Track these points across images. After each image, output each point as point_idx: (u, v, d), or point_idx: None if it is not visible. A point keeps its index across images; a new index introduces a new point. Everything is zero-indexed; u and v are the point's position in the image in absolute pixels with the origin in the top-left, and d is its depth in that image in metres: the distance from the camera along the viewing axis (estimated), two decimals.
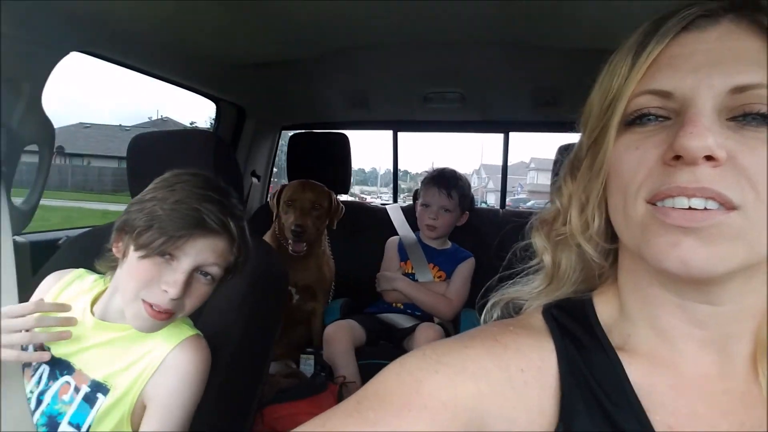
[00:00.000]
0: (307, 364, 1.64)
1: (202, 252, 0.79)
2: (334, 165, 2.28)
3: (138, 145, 1.20)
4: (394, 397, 0.42)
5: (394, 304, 1.91)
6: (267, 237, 1.96)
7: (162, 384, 0.82)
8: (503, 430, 0.43)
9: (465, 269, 1.90)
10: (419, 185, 2.07)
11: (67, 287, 0.92)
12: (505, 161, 2.49)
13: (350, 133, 2.31)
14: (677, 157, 0.39)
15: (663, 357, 0.45)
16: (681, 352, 0.44)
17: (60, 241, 1.29)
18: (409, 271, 1.94)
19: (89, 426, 0.80)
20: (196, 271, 0.80)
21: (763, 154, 0.37)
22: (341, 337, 1.64)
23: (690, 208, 0.38)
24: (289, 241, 1.83)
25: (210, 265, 0.81)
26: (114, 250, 0.84)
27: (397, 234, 2.06)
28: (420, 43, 1.53)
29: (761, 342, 0.43)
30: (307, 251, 1.87)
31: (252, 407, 1.08)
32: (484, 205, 8.97)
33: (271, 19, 1.31)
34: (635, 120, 0.43)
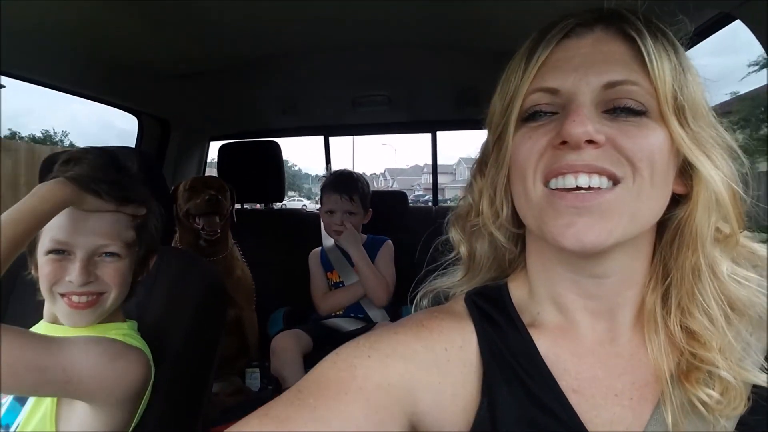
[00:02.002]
0: (253, 378, 1.61)
1: (89, 233, 0.83)
2: (267, 174, 2.25)
3: (50, 165, 1.13)
4: (331, 382, 0.46)
5: (334, 313, 1.91)
6: None
7: None
8: (431, 403, 0.48)
9: (384, 253, 1.94)
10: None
11: None
12: (434, 159, 2.57)
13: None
14: (564, 143, 0.45)
15: (564, 329, 0.52)
16: (578, 323, 0.51)
17: None
18: (337, 280, 1.95)
19: (18, 425, 0.80)
20: (97, 255, 0.83)
21: (637, 137, 0.45)
22: (288, 347, 1.62)
23: (577, 188, 0.45)
24: (202, 225, 1.76)
25: (107, 245, 0.84)
26: (33, 272, 0.86)
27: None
28: (346, 47, 1.55)
29: (647, 309, 0.50)
30: (215, 254, 1.82)
31: (196, 430, 1.04)
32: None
33: (190, 28, 1.27)
34: (529, 117, 0.50)
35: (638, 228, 0.47)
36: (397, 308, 1.92)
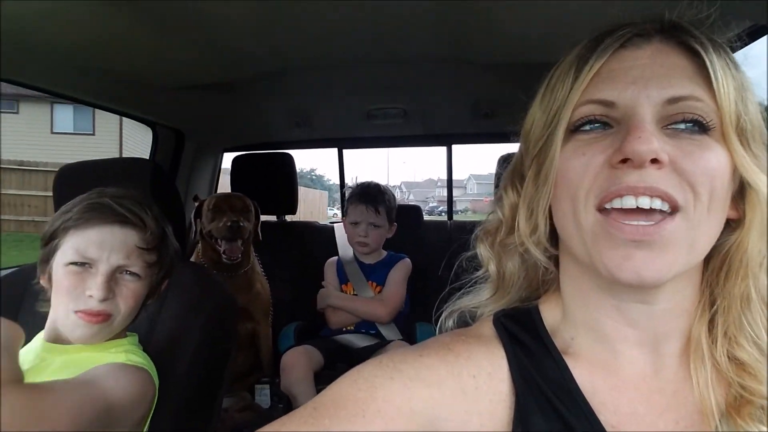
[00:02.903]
0: (263, 395, 1.57)
1: (115, 250, 0.82)
2: (280, 186, 2.24)
3: (65, 176, 1.13)
4: (349, 402, 0.43)
5: (344, 329, 1.88)
6: None
7: None
8: None
9: (397, 271, 1.91)
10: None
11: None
12: (449, 173, 2.55)
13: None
14: (624, 161, 0.42)
15: (603, 359, 0.48)
16: (618, 354, 0.47)
17: None
18: (351, 293, 1.92)
19: None
20: (118, 272, 0.83)
21: (698, 159, 0.41)
22: (299, 363, 1.59)
23: (637, 209, 0.41)
24: (223, 249, 1.76)
25: (129, 264, 0.83)
26: (42, 282, 0.86)
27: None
28: (360, 60, 1.54)
29: (694, 339, 0.46)
30: (236, 269, 1.82)
31: None
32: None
33: (206, 42, 1.27)
34: (580, 126, 0.46)
35: (696, 258, 0.43)
36: (411, 324, 1.89)
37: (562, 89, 0.47)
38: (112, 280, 0.82)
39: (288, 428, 0.42)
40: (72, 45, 1.19)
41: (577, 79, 0.46)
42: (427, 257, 2.10)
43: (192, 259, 1.92)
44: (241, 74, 1.57)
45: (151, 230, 0.85)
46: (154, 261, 0.87)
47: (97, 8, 1.01)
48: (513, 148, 0.58)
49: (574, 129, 0.46)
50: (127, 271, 0.83)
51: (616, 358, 0.48)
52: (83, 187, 1.11)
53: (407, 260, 1.95)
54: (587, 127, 0.46)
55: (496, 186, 0.67)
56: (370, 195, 1.91)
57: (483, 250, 0.57)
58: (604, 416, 0.45)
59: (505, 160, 1.76)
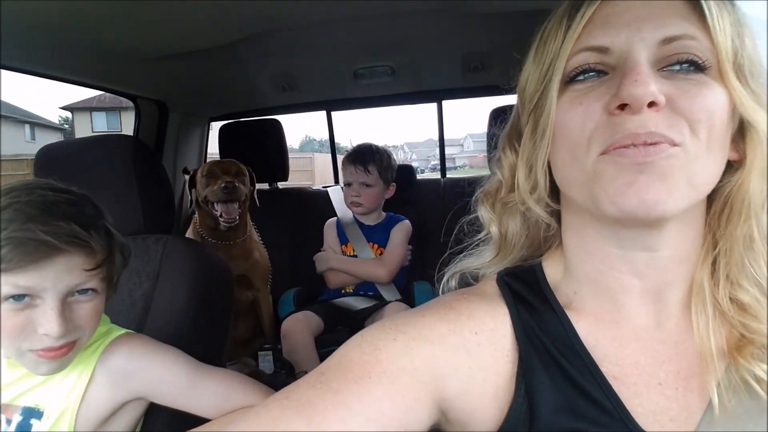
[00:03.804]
0: (266, 361, 1.60)
1: (61, 278, 0.66)
2: (269, 153, 2.21)
3: (45, 159, 1.09)
4: (355, 365, 0.45)
5: (343, 290, 1.90)
6: (188, 236, 1.89)
7: (111, 393, 0.77)
8: (459, 388, 0.46)
9: (397, 233, 1.91)
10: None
11: None
12: (441, 130, 2.50)
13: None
14: (622, 107, 0.41)
15: (606, 311, 0.48)
16: (622, 305, 0.48)
17: None
18: (352, 253, 1.94)
19: None
20: (70, 295, 0.69)
21: (695, 96, 0.41)
22: (299, 329, 1.61)
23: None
24: (219, 212, 1.75)
25: (81, 283, 0.69)
26: None
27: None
28: (344, 18, 1.48)
29: (696, 284, 0.46)
30: (234, 238, 1.82)
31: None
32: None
33: (183, 7, 1.21)
34: (576, 77, 0.45)
35: (696, 195, 0.42)
36: (409, 284, 1.90)
37: (554, 41, 0.46)
38: (66, 307, 0.67)
39: (297, 393, 0.44)
40: (44, 21, 1.13)
41: (569, 28, 0.44)
42: (423, 215, 2.10)
43: (189, 230, 1.91)
44: (222, 39, 1.50)
45: (97, 247, 0.70)
46: (107, 274, 0.73)
47: None
48: (505, 101, 0.57)
49: (570, 80, 0.45)
50: (80, 290, 0.69)
51: (619, 309, 0.48)
52: (65, 169, 1.08)
53: (407, 222, 1.95)
54: (582, 77, 0.45)
55: (489, 141, 0.66)
56: (361, 155, 1.91)
57: (484, 212, 0.57)
58: (605, 367, 0.45)
59: (497, 115, 1.73)
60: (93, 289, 0.71)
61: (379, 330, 0.48)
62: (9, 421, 0.75)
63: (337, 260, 1.90)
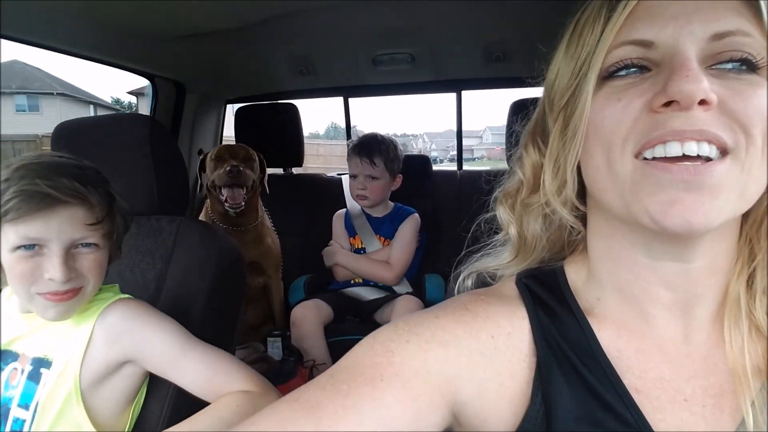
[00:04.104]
0: (275, 347, 1.60)
1: (64, 230, 0.75)
2: (285, 137, 2.20)
3: (63, 135, 1.09)
4: (366, 368, 0.43)
5: (352, 281, 1.88)
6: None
7: (112, 348, 0.81)
8: (474, 393, 0.44)
9: (405, 230, 1.86)
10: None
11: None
12: (459, 120, 2.46)
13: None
14: (668, 104, 0.38)
15: (631, 321, 0.46)
16: (648, 316, 0.45)
17: None
18: (359, 246, 1.91)
19: (38, 402, 0.79)
20: (73, 247, 0.77)
21: (750, 97, 0.37)
22: (308, 317, 1.60)
23: (684, 156, 0.37)
24: (225, 197, 1.74)
25: (83, 237, 0.77)
26: None
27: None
28: (365, 2, 1.45)
29: (731, 298, 0.43)
30: (246, 224, 1.81)
31: None
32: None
33: None
34: (615, 72, 0.41)
35: (745, 206, 0.40)
36: (421, 277, 1.89)
37: (591, 33, 0.42)
38: (69, 257, 0.76)
39: (306, 396, 0.42)
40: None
41: (609, 19, 0.41)
42: (437, 207, 2.08)
43: (202, 215, 1.91)
44: (242, 20, 1.49)
45: (96, 203, 0.78)
46: (108, 230, 0.81)
47: None
48: (526, 94, 0.54)
49: (607, 76, 0.42)
50: (83, 243, 0.78)
51: (645, 320, 0.45)
52: (81, 145, 1.08)
53: (416, 215, 1.91)
54: (623, 72, 0.41)
55: (508, 135, 0.63)
56: (366, 146, 1.86)
57: (503, 213, 0.54)
58: (628, 379, 0.43)
59: (517, 108, 1.69)
60: (95, 244, 0.79)
61: (391, 331, 0.47)
62: (22, 371, 0.82)
63: (343, 257, 1.87)
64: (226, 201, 1.74)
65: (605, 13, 0.41)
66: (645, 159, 0.39)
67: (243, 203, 1.76)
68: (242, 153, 1.82)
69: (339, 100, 2.49)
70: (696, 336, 0.44)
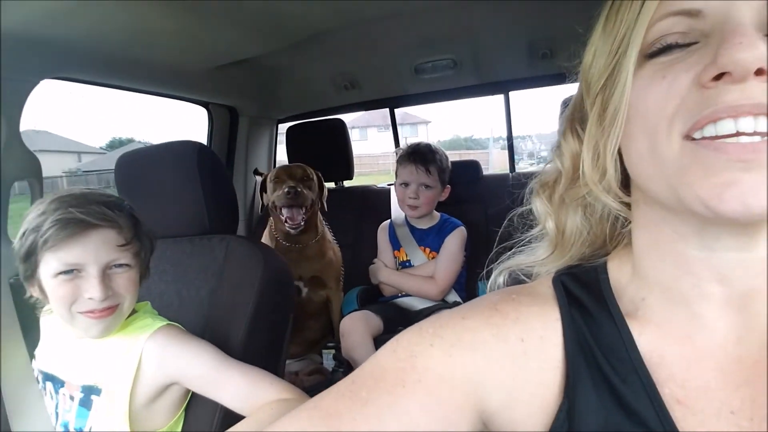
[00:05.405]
0: (329, 359, 1.62)
1: (98, 252, 0.82)
2: (334, 152, 2.24)
3: (124, 163, 1.18)
4: (388, 373, 0.41)
5: (400, 294, 1.85)
6: (264, 239, 1.93)
7: (159, 373, 0.86)
8: (503, 402, 0.41)
9: (451, 243, 1.80)
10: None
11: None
12: (509, 121, 2.40)
13: None
14: (718, 77, 0.33)
15: (677, 323, 0.41)
16: (698, 317, 0.40)
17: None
18: (404, 259, 1.88)
19: (90, 429, 0.85)
20: (108, 268, 0.84)
21: None
22: (357, 328, 1.61)
23: (738, 134, 0.33)
24: (284, 218, 1.77)
25: (117, 258, 0.84)
26: (33, 293, 0.87)
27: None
28: (403, 13, 1.46)
29: None
30: (307, 240, 1.84)
31: None
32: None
33: (244, 16, 1.26)
34: (657, 52, 0.37)
35: None
36: (473, 283, 1.84)
37: (630, 8, 0.38)
38: (106, 277, 0.83)
39: (325, 403, 0.41)
40: (118, 39, 1.21)
41: None
42: (488, 213, 2.03)
43: (265, 232, 1.96)
44: (283, 42, 1.54)
45: (125, 225, 0.85)
46: (137, 250, 0.88)
47: (127, 2, 1.03)
48: (576, 90, 0.50)
49: (651, 55, 0.38)
50: (116, 264, 0.85)
51: (694, 322, 0.40)
52: (141, 171, 1.17)
53: (462, 228, 1.84)
54: (667, 50, 0.37)
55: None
56: (421, 154, 1.82)
57: (540, 205, 0.51)
58: (669, 389, 0.39)
59: (566, 104, 1.61)
60: (127, 264, 0.86)
61: (416, 334, 0.44)
62: (72, 398, 0.88)
63: (386, 275, 1.86)
64: (285, 221, 1.78)
65: None
66: (694, 140, 0.35)
67: (302, 223, 1.78)
68: (300, 173, 1.85)
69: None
70: (751, 337, 0.39)
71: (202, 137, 2.11)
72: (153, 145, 1.26)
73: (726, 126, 0.33)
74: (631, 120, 0.39)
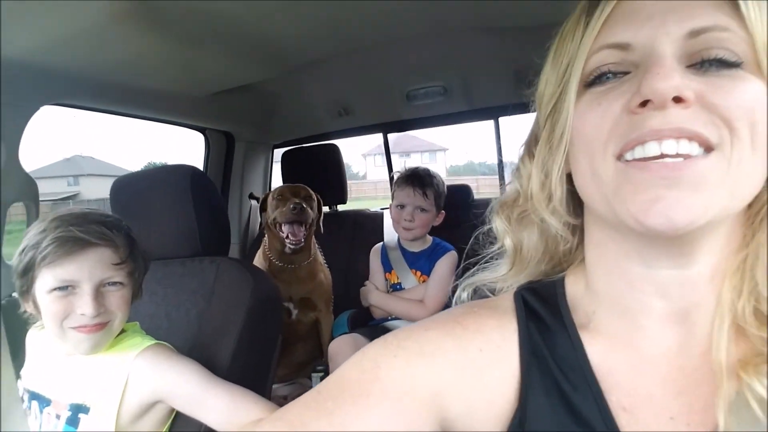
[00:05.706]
0: (318, 383, 1.61)
1: (94, 270, 0.85)
2: (329, 176, 2.28)
3: (120, 187, 1.21)
4: (352, 384, 0.43)
5: (389, 317, 1.85)
6: (257, 259, 1.95)
7: (147, 391, 0.88)
8: (462, 410, 0.43)
9: (441, 267, 1.80)
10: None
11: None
12: (499, 147, 2.44)
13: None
14: (644, 104, 0.37)
15: (623, 335, 0.44)
16: (642, 329, 0.43)
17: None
18: (395, 281, 1.88)
19: None
20: (102, 285, 0.86)
21: (731, 91, 0.36)
22: (345, 351, 1.60)
23: (662, 155, 0.37)
24: (286, 234, 1.79)
25: (110, 276, 0.87)
26: (28, 309, 0.89)
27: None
28: (394, 41, 1.51)
29: (726, 304, 0.40)
30: (300, 261, 1.85)
31: None
32: None
33: (240, 44, 1.30)
34: (595, 81, 0.42)
35: (738, 203, 0.38)
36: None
37: (572, 41, 0.43)
38: (99, 294, 0.85)
39: (290, 414, 0.43)
40: (117, 67, 1.26)
41: (588, 25, 0.41)
42: (478, 237, 2.04)
43: (258, 253, 1.98)
44: (280, 69, 1.59)
45: (121, 245, 0.88)
46: (131, 269, 0.90)
47: (125, 31, 1.07)
48: None
49: (589, 83, 0.42)
50: (110, 282, 0.87)
51: (639, 333, 0.43)
52: (136, 194, 1.20)
53: (453, 252, 1.85)
54: (603, 78, 0.41)
55: None
56: (419, 177, 1.83)
57: (499, 224, 0.53)
58: (616, 396, 0.41)
59: None
60: (120, 282, 0.88)
61: (381, 346, 0.46)
62: (58, 416, 0.88)
63: (376, 297, 1.86)
64: (287, 237, 1.79)
65: (584, 20, 0.42)
66: (626, 161, 0.39)
67: (303, 240, 1.80)
68: (303, 192, 1.89)
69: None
70: (691, 346, 0.42)
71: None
72: (148, 169, 1.30)
73: (652, 148, 0.37)
74: (574, 143, 0.43)
